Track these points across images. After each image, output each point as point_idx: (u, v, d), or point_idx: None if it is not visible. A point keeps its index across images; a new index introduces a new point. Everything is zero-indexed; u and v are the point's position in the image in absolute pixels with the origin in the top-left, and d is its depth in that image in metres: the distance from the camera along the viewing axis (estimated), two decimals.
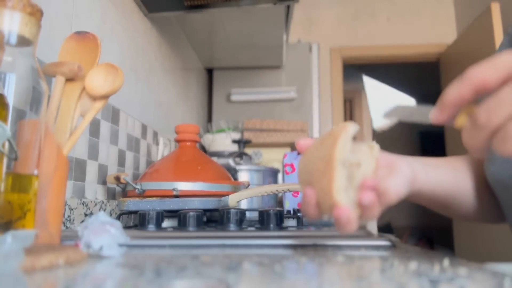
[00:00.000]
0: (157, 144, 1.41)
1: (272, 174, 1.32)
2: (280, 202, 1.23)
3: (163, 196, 0.87)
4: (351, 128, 0.38)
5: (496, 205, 0.57)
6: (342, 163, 0.37)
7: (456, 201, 0.54)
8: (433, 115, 0.33)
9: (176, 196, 0.87)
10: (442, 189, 0.50)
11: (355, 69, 3.62)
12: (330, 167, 0.36)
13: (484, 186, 0.57)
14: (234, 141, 1.67)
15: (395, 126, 4.95)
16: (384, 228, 4.28)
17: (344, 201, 0.36)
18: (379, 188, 0.37)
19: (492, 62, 0.30)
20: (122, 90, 0.60)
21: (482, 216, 0.59)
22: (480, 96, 0.31)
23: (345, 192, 0.37)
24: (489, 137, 0.30)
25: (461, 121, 0.32)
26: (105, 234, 0.43)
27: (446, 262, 0.35)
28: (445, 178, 0.51)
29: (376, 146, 0.40)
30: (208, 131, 2.14)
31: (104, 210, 0.95)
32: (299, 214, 0.72)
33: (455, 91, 0.31)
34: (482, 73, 0.30)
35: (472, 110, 0.31)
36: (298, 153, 1.02)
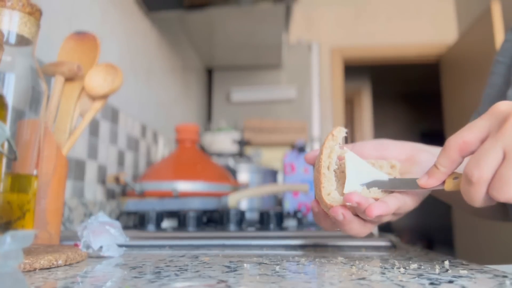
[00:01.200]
0: (157, 144, 1.41)
1: (272, 174, 1.32)
2: (280, 202, 1.23)
3: (162, 196, 0.87)
4: (336, 132, 0.39)
5: (503, 203, 0.58)
6: (334, 167, 0.38)
7: None
8: (422, 181, 0.36)
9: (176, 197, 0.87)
10: None
11: (355, 69, 3.62)
12: (318, 174, 0.37)
13: None
14: (234, 141, 1.67)
15: (395, 126, 4.95)
16: (384, 228, 4.28)
17: (337, 203, 0.36)
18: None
19: (469, 126, 0.33)
20: (121, 90, 0.60)
21: (492, 212, 0.60)
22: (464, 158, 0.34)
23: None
24: (486, 189, 0.31)
25: (450, 185, 0.35)
26: (104, 234, 0.43)
27: (446, 262, 0.35)
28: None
29: (397, 164, 0.41)
30: (207, 131, 2.14)
31: (104, 210, 0.95)
32: (299, 215, 0.72)
33: (445, 158, 0.34)
34: (462, 137, 0.33)
35: (456, 174, 0.35)
36: (299, 153, 1.02)
